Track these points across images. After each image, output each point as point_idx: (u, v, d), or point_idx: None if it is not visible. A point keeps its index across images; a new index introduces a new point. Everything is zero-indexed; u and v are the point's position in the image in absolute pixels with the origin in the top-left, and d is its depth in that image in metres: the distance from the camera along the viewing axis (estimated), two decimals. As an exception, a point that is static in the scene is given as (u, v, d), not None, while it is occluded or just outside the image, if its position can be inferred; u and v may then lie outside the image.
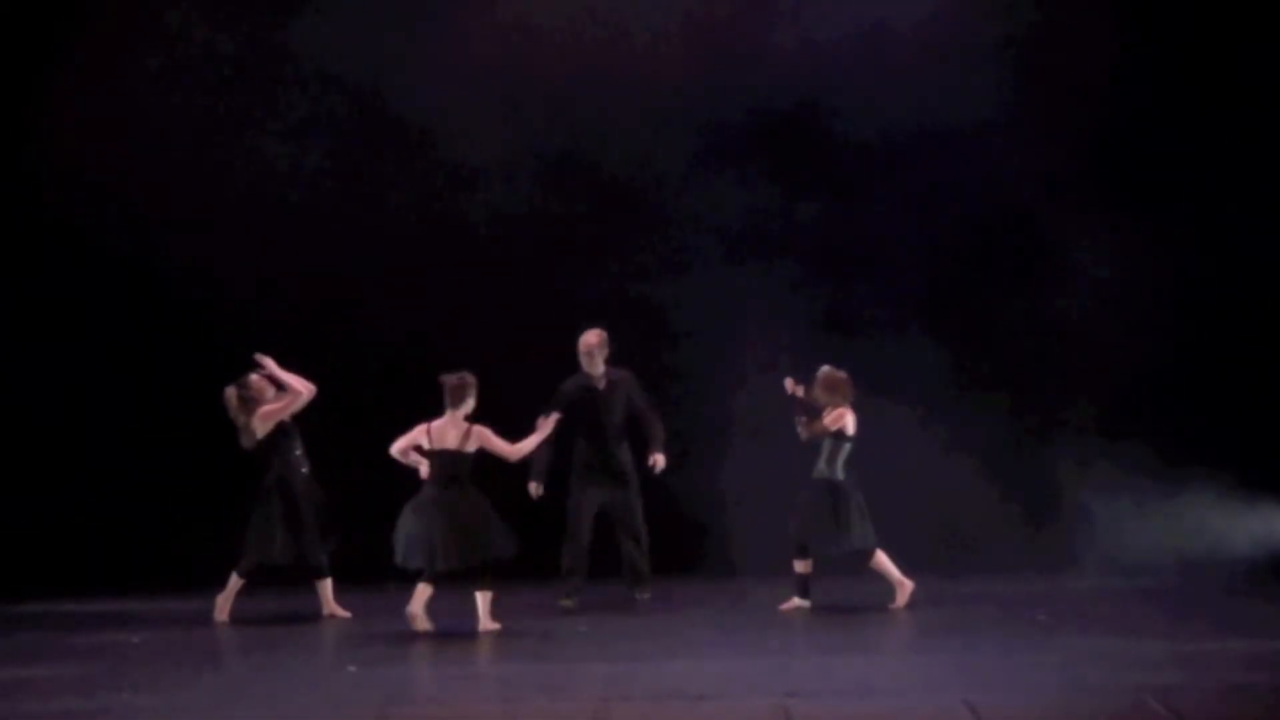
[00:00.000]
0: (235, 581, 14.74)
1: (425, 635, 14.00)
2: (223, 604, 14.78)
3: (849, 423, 14.76)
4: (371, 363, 17.01)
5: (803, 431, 14.84)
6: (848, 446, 14.77)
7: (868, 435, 14.92)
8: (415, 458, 14.24)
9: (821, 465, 14.79)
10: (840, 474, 14.76)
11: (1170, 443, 16.69)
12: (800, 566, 14.89)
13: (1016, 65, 17.01)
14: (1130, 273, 17.11)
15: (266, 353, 14.61)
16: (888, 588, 14.88)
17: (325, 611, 14.93)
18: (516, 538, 14.17)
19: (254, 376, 14.66)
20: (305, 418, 14.91)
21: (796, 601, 14.84)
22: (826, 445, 14.78)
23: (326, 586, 14.99)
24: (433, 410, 14.88)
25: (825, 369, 14.89)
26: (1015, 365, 17.41)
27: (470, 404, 14.15)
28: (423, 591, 14.06)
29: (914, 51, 16.98)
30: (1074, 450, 17.00)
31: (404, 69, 17.07)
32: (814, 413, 14.79)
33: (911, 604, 14.74)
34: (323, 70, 17.25)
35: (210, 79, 17.35)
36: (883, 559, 14.85)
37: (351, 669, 12.75)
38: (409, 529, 14.06)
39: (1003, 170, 17.14)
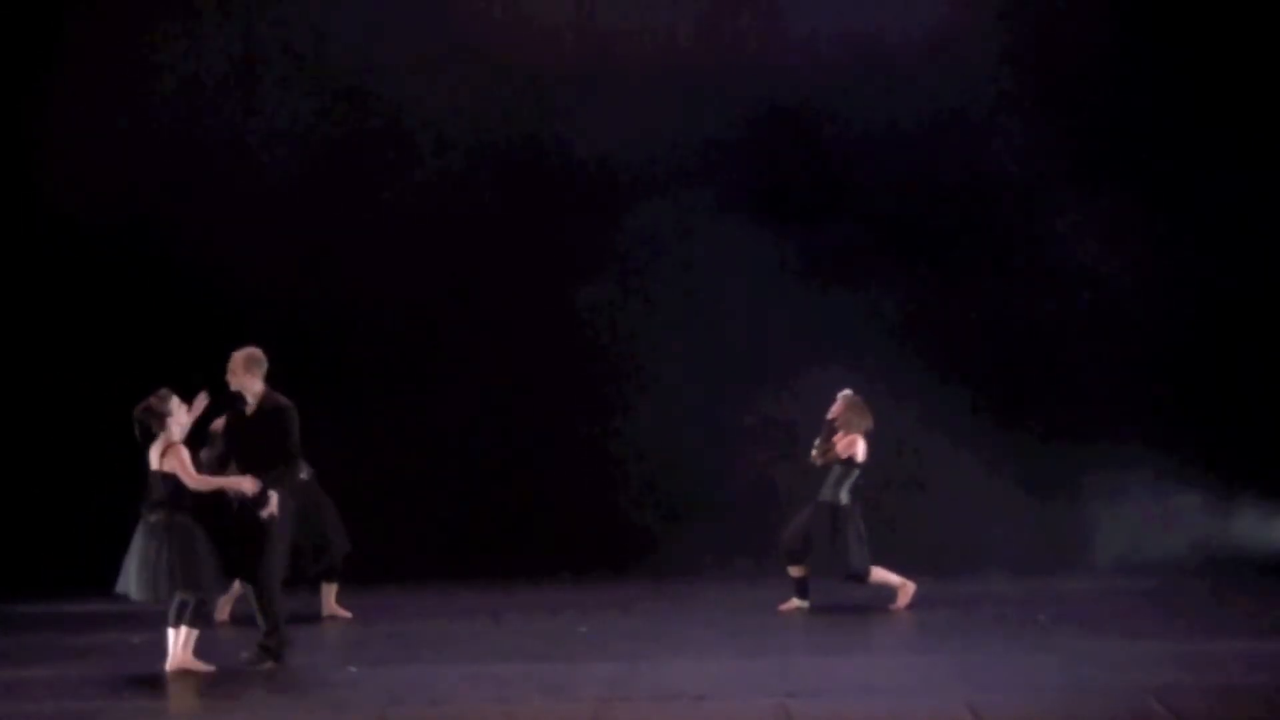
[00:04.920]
0: (240, 584, 14.69)
1: (417, 636, 14.04)
2: (224, 604, 14.76)
3: (860, 450, 14.75)
4: (371, 362, 17.00)
5: (818, 459, 14.80)
6: (856, 473, 14.76)
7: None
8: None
9: (827, 489, 14.76)
10: (844, 498, 14.73)
11: (1172, 442, 16.69)
12: (795, 571, 14.88)
13: (1012, 57, 17.05)
14: (1130, 273, 17.14)
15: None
16: (889, 589, 14.86)
17: (325, 612, 14.92)
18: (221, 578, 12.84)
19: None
20: (305, 418, 14.76)
21: (796, 602, 14.83)
22: (836, 469, 14.75)
23: (331, 588, 14.98)
24: (432, 408, 14.91)
25: (847, 393, 14.84)
26: (1015, 364, 17.42)
27: (170, 424, 12.54)
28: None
29: (906, 43, 17.00)
30: (1075, 450, 16.99)
31: (396, 62, 17.09)
32: (831, 438, 14.78)
33: (912, 604, 14.73)
34: (313, 64, 17.24)
35: (195, 73, 17.31)
36: (879, 572, 14.82)
37: (352, 669, 12.75)
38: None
39: (998, 162, 17.18)
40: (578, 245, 17.51)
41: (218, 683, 12.40)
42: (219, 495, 12.78)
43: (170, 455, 12.49)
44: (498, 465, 17.23)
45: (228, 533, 12.83)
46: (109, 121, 16.93)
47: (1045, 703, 11.16)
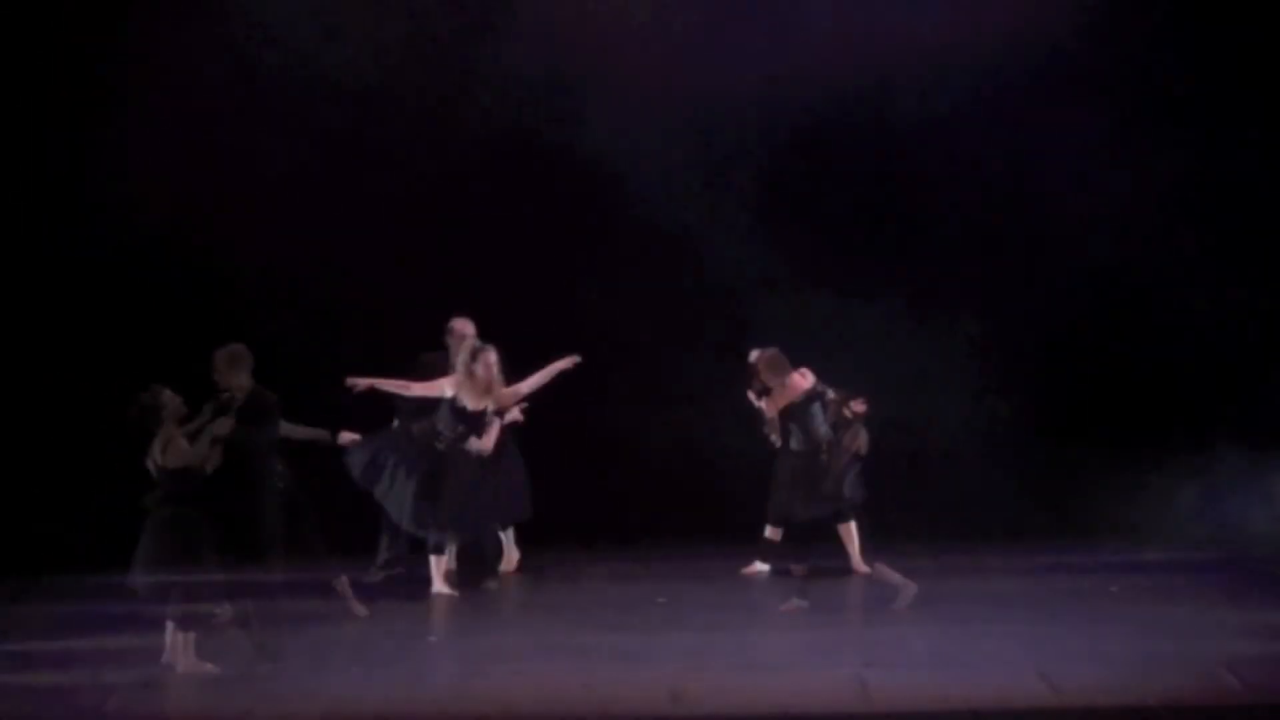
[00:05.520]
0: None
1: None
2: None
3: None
4: (371, 361, 16.98)
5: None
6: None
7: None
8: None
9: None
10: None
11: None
12: (798, 570, 14.69)
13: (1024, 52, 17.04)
14: (1145, 262, 17.16)
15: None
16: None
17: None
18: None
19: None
20: (304, 418, 14.40)
21: (796, 602, 14.50)
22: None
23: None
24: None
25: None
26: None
27: (165, 417, 12.42)
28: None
29: (911, 42, 16.92)
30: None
31: (397, 61, 17.15)
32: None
33: (918, 601, 14.06)
34: (312, 62, 17.27)
35: (194, 71, 17.27)
36: (883, 570, 14.81)
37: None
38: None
39: (1001, 163, 17.20)
40: (578, 244, 17.48)
41: (218, 683, 12.06)
42: (219, 498, 12.83)
43: (171, 450, 12.45)
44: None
45: (226, 533, 12.83)
46: (107, 120, 16.86)
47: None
